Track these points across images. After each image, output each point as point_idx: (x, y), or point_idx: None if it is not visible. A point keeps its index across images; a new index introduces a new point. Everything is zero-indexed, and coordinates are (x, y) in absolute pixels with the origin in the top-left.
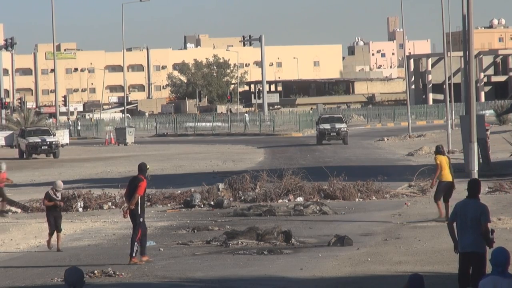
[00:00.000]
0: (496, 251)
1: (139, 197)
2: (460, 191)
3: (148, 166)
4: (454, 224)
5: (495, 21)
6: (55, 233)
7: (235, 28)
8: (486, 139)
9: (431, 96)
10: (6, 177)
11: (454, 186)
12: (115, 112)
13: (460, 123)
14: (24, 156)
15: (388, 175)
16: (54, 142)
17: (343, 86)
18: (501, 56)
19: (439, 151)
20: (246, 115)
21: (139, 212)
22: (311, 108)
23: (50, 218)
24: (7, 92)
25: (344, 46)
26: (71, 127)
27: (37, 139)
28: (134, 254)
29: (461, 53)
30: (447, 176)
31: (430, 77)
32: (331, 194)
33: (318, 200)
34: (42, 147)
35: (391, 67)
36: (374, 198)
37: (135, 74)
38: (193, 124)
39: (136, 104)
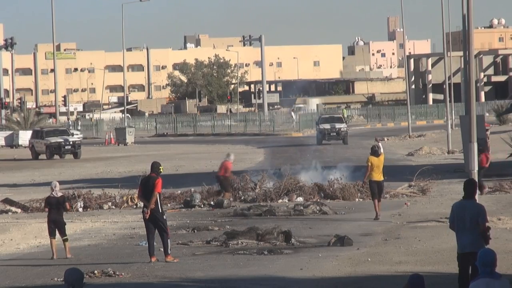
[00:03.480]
0: (484, 251)
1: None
2: (459, 191)
3: (161, 166)
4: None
5: (495, 21)
6: (62, 241)
7: (235, 28)
8: (486, 139)
9: (431, 96)
10: (230, 167)
11: (383, 185)
12: (115, 112)
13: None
14: (46, 157)
15: (388, 175)
16: (77, 142)
17: (343, 86)
18: (501, 56)
19: (373, 151)
20: (293, 113)
21: (160, 210)
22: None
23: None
24: (7, 92)
25: (344, 46)
26: (71, 127)
27: (59, 139)
28: (170, 251)
29: (461, 53)
30: (375, 176)
31: (430, 77)
32: (331, 194)
33: (318, 200)
34: (66, 147)
35: (391, 67)
36: None
37: (135, 74)
38: (229, 122)
39: (136, 104)
